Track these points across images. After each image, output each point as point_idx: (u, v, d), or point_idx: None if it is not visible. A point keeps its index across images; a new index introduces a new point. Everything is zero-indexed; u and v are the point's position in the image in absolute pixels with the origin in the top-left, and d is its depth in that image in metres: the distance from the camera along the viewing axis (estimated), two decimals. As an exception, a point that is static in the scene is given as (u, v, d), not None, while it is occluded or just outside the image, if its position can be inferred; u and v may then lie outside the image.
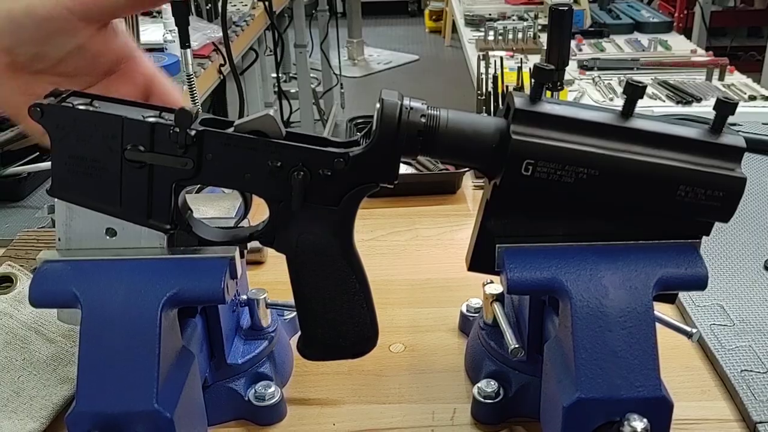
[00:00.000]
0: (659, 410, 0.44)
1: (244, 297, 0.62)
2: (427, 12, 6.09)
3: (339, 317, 0.51)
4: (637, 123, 0.46)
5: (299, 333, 0.54)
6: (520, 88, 1.08)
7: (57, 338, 0.62)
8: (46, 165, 0.96)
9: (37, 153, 0.97)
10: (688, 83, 2.08)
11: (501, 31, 2.65)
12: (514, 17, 2.98)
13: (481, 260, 0.50)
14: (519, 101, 0.45)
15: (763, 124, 1.13)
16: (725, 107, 0.46)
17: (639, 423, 0.42)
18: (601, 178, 0.45)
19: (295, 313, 0.67)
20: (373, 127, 0.45)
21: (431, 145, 0.46)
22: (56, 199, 0.48)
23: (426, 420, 0.59)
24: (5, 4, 0.44)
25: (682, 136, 0.46)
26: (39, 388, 0.60)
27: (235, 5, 2.19)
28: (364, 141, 0.47)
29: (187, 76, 1.20)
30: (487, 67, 1.13)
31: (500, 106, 1.00)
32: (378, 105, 0.45)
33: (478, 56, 2.41)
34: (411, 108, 0.45)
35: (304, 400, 0.61)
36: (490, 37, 2.63)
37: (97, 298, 0.45)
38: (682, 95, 1.99)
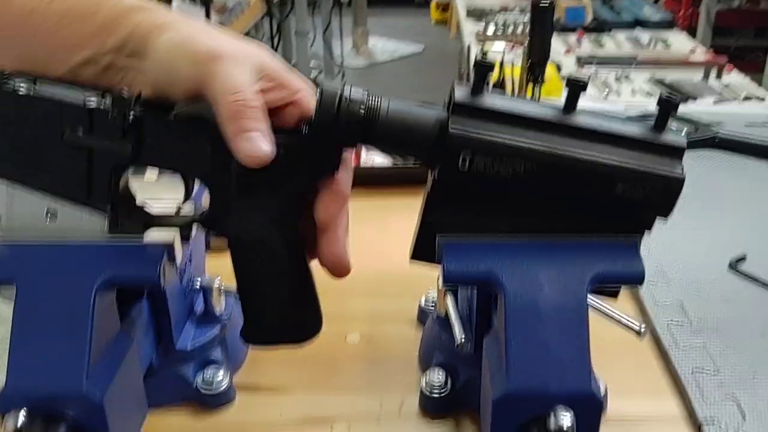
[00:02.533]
0: (588, 406, 0.44)
1: (199, 280, 0.62)
2: (433, 4, 6.07)
3: (281, 302, 0.51)
4: (578, 119, 0.45)
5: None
6: (501, 81, 1.07)
7: None
8: None
9: None
10: (685, 82, 2.07)
11: (501, 24, 2.64)
12: (516, 10, 2.97)
13: (422, 250, 0.50)
14: (459, 94, 0.45)
15: (745, 125, 1.12)
16: (667, 105, 0.45)
17: (565, 418, 0.42)
18: (538, 172, 0.45)
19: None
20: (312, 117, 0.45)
21: (371, 135, 0.45)
22: (-3, 180, 0.48)
23: (373, 409, 0.59)
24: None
25: (623, 134, 0.45)
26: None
27: (230, -7, 2.19)
28: (306, 130, 0.47)
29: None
30: (465, 61, 1.12)
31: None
32: (317, 94, 0.45)
33: (467, 47, 2.40)
34: (350, 98, 0.45)
35: (253, 386, 0.62)
36: (489, 31, 2.62)
37: (32, 280, 0.46)
38: (677, 94, 1.98)
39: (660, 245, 0.62)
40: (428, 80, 4.99)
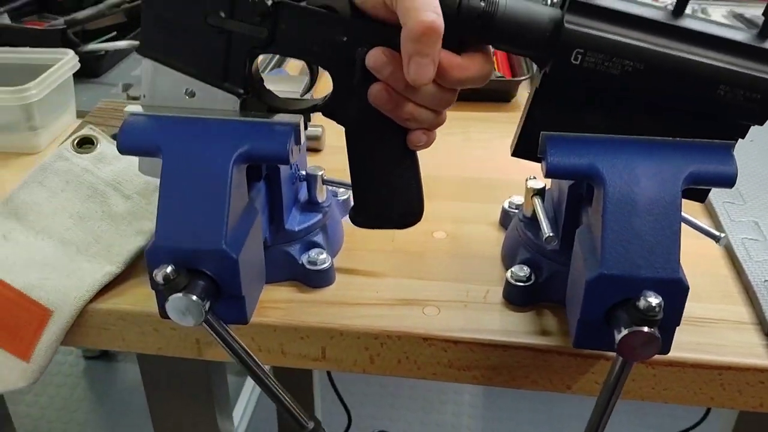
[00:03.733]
0: (675, 291, 0.48)
1: (304, 172, 0.67)
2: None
3: (390, 188, 0.55)
4: (686, 22, 0.48)
5: (352, 206, 0.59)
6: None
7: (133, 195, 0.69)
8: (123, 44, 1.02)
9: (115, 33, 1.03)
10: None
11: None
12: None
13: (524, 146, 0.53)
14: (574, -7, 0.48)
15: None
16: (775, 14, 0.47)
17: (654, 299, 0.47)
18: (646, 71, 0.48)
19: (347, 194, 0.73)
20: None
21: (488, 29, 0.49)
22: (143, 58, 0.53)
23: (460, 296, 0.64)
24: None
25: (728, 38, 0.48)
26: (116, 237, 0.67)
27: None
28: None
29: None
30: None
31: None
32: (440, -10, 0.48)
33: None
34: None
35: (351, 270, 0.67)
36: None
37: (177, 149, 0.51)
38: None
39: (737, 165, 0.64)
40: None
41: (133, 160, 0.71)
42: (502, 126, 0.96)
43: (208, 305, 0.50)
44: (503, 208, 0.74)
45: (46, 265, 0.64)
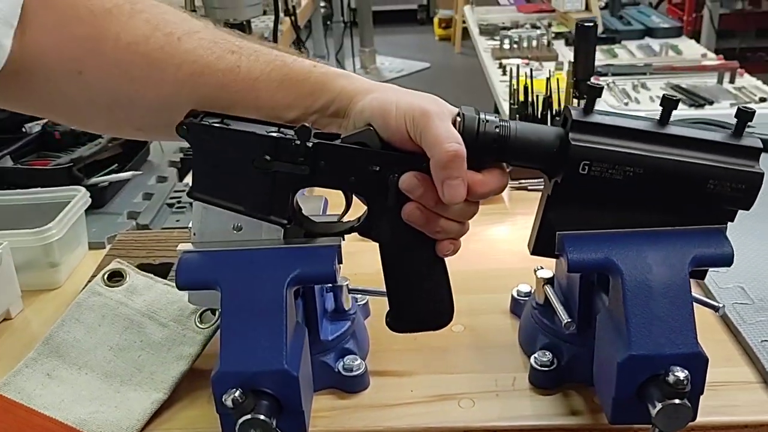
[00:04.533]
0: (697, 364, 0.54)
1: (330, 284, 0.72)
2: (436, 20, 6.20)
3: (424, 295, 0.61)
4: (672, 129, 0.56)
5: (385, 310, 0.64)
6: (549, 96, 1.18)
7: (169, 323, 0.72)
8: (125, 175, 1.07)
9: (116, 164, 1.08)
10: (700, 87, 2.17)
11: (516, 40, 2.74)
12: (527, 25, 3.07)
13: (542, 245, 0.60)
14: (575, 113, 0.55)
15: None
16: (745, 115, 0.55)
17: (681, 373, 0.52)
18: (644, 175, 0.55)
19: (366, 298, 0.78)
20: None
21: (503, 150, 0.56)
22: (194, 201, 0.58)
23: (490, 386, 0.69)
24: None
25: (710, 140, 0.55)
26: (157, 364, 0.70)
27: (264, 21, 2.31)
28: None
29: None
30: (515, 77, 1.22)
31: (534, 113, 1.10)
32: (459, 119, 0.55)
33: (500, 64, 2.50)
34: (487, 120, 0.55)
35: (382, 372, 0.71)
36: (506, 46, 2.73)
37: (234, 281, 0.56)
38: (695, 98, 2.08)
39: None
40: (437, 95, 5.11)
41: (164, 289, 0.75)
42: (491, 217, 1.03)
43: (274, 423, 0.54)
44: (512, 296, 0.80)
45: (93, 399, 0.67)
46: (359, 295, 0.77)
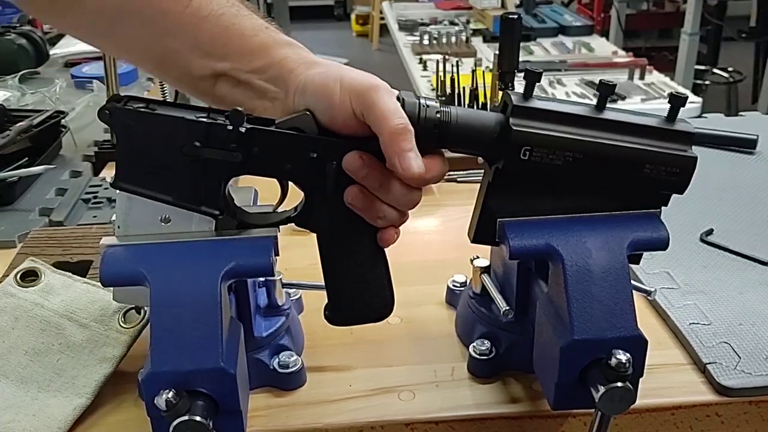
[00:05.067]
0: (637, 346, 0.54)
1: (262, 278, 0.69)
2: (353, 16, 6.19)
3: (365, 286, 0.59)
4: (609, 114, 0.56)
5: (319, 305, 0.62)
6: (475, 88, 1.18)
7: (90, 323, 0.68)
8: (37, 169, 1.00)
9: (27, 158, 1.01)
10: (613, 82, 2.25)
11: (435, 36, 2.76)
12: (446, 22, 3.10)
13: (482, 233, 0.59)
14: (515, 98, 0.55)
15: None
16: (678, 100, 0.56)
17: (623, 356, 0.52)
18: (584, 160, 0.55)
19: (300, 293, 0.76)
20: None
21: (444, 136, 0.54)
22: (117, 191, 0.54)
23: (430, 377, 0.68)
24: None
25: (645, 125, 0.56)
26: (79, 368, 0.65)
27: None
28: None
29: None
30: (440, 71, 1.22)
31: (460, 105, 1.10)
32: (399, 103, 0.54)
33: (420, 59, 2.51)
34: (427, 105, 0.54)
35: (319, 367, 0.69)
36: (426, 42, 2.74)
37: (164, 275, 0.52)
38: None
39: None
40: (356, 91, 5.09)
41: (84, 288, 0.71)
42: (422, 209, 1.00)
43: (211, 424, 0.51)
44: (448, 287, 0.79)
45: (8, 407, 0.62)
46: (293, 290, 0.75)
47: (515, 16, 1.11)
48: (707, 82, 4.01)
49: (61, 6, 0.58)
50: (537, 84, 0.55)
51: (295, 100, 0.54)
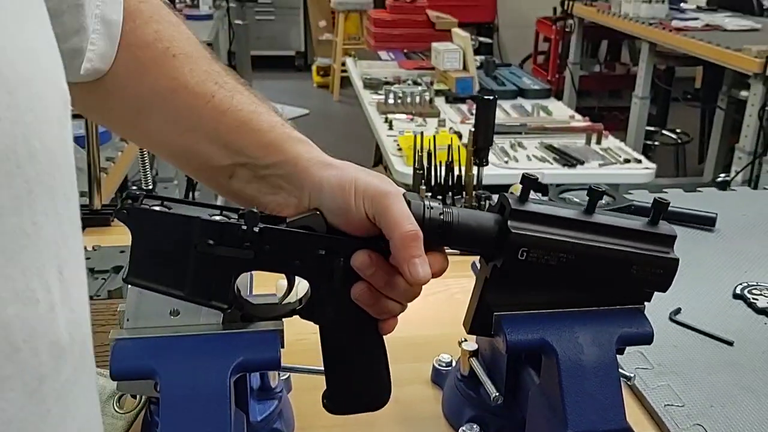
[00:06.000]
0: (626, 439, 0.57)
1: (274, 370, 0.70)
2: (314, 67, 6.28)
3: (366, 376, 0.61)
4: (598, 218, 0.60)
5: (308, 385, 0.63)
6: (450, 162, 1.22)
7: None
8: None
9: None
10: (571, 147, 2.33)
11: (400, 95, 2.83)
12: (409, 81, 3.17)
13: (479, 325, 0.62)
14: (512, 202, 0.58)
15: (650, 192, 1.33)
16: (660, 206, 0.61)
17: (614, 449, 0.55)
18: (576, 260, 0.58)
19: (288, 374, 0.77)
20: None
21: (446, 236, 0.57)
22: (129, 286, 0.55)
23: (421, 460, 0.69)
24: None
25: (632, 228, 0.60)
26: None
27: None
28: None
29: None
30: (425, 141, 1.26)
31: (437, 178, 1.13)
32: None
33: (386, 119, 2.55)
34: (431, 207, 0.57)
35: (312, 451, 0.70)
36: (390, 101, 2.80)
37: (174, 368, 0.53)
38: (567, 158, 2.23)
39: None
40: (317, 142, 5.13)
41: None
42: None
43: None
44: (434, 366, 0.81)
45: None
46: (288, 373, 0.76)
47: (491, 97, 1.17)
48: (656, 143, 4.18)
49: (92, 101, 0.61)
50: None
51: (310, 198, 0.57)
